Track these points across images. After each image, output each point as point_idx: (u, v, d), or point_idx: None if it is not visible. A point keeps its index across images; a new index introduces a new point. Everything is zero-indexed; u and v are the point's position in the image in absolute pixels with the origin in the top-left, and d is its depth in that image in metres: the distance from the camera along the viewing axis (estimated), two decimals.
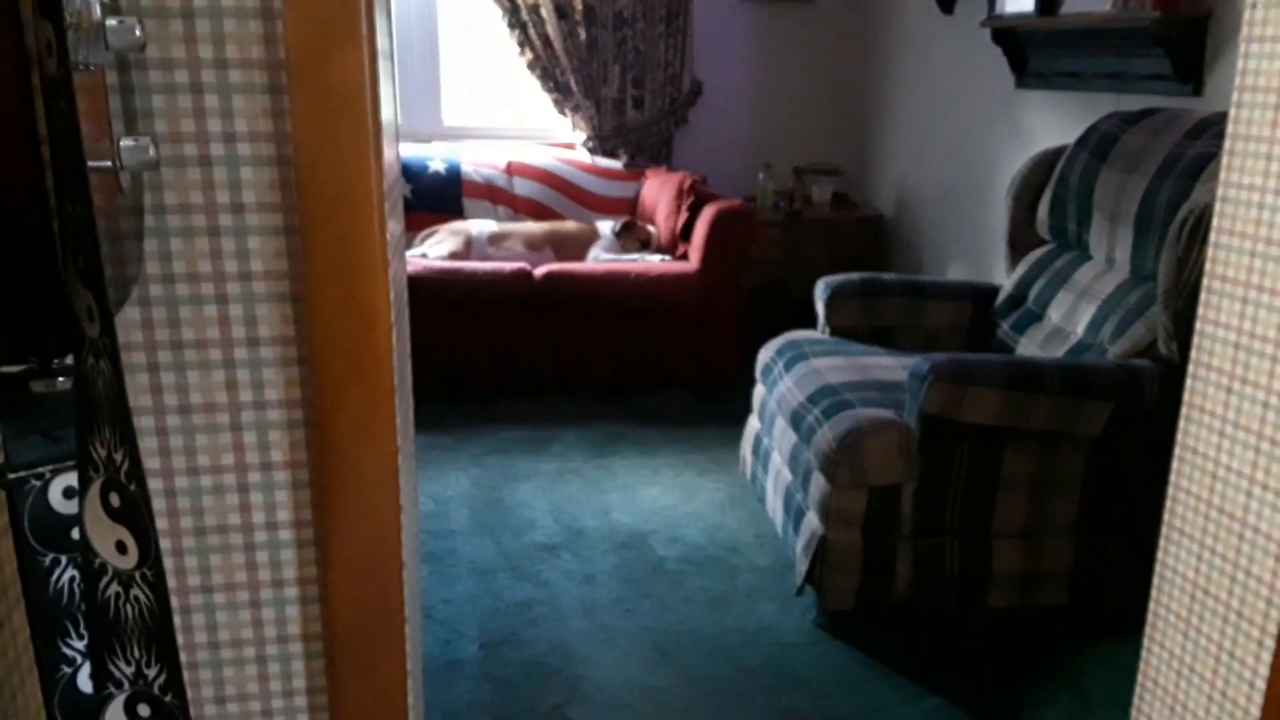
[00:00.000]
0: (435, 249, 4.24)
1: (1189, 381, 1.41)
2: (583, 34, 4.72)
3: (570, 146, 4.93)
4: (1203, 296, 1.38)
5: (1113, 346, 2.50)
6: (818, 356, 2.88)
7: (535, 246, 4.37)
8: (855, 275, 3.23)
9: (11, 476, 0.86)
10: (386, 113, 1.21)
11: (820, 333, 3.21)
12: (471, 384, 4.07)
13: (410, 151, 4.56)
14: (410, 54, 4.80)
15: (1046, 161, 3.07)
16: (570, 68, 4.75)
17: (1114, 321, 2.54)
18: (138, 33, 0.93)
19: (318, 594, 1.24)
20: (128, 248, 1.08)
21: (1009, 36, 3.72)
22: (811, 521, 2.49)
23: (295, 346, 1.18)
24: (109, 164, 0.94)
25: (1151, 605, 1.50)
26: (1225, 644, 1.34)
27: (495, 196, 4.67)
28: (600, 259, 4.34)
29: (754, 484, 3.15)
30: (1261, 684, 1.28)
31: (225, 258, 1.15)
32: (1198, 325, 1.39)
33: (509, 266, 4.05)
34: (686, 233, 4.32)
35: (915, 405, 2.35)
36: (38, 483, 0.87)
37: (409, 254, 4.21)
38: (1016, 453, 2.38)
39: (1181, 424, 1.43)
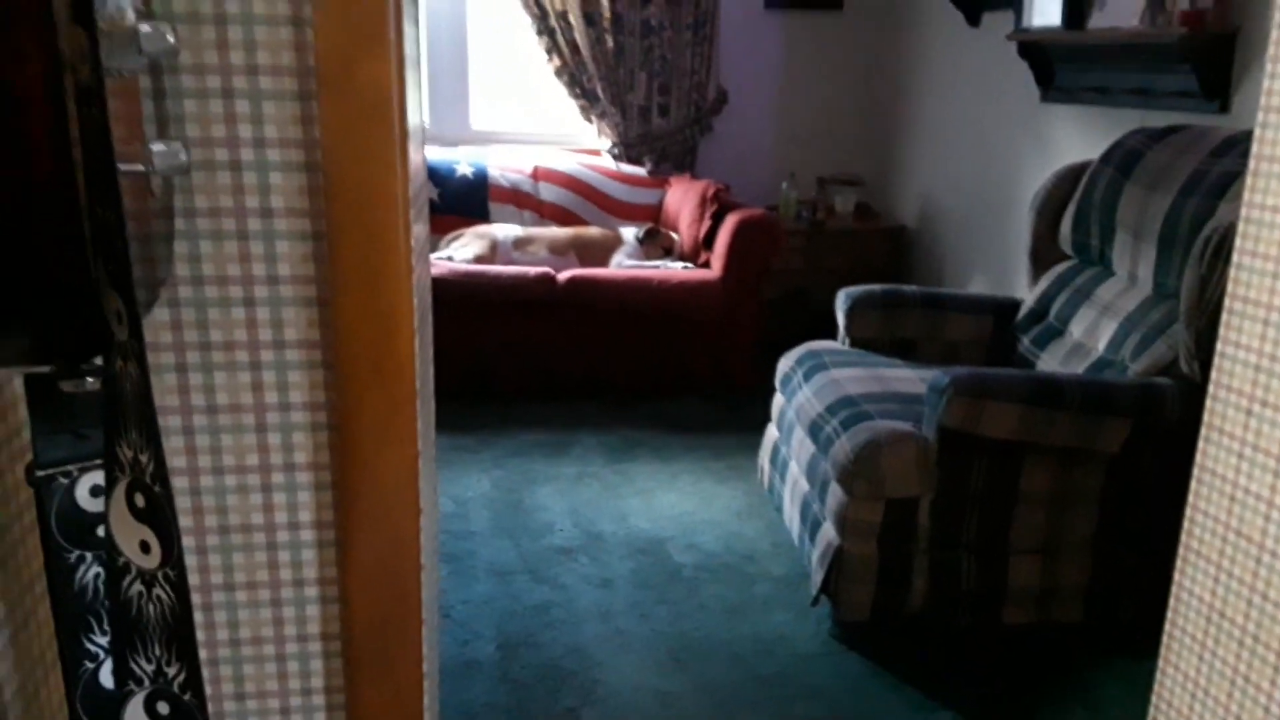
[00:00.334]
0: (461, 252, 4.27)
1: (1209, 402, 1.40)
2: (610, 41, 4.74)
3: (595, 153, 4.95)
4: (1224, 318, 1.37)
5: (1134, 364, 2.49)
6: (837, 367, 2.88)
7: (559, 251, 4.39)
8: (876, 287, 3.23)
9: (40, 474, 0.88)
10: (413, 118, 1.23)
11: (840, 343, 3.21)
12: (494, 386, 4.10)
13: (438, 155, 4.60)
14: (440, 59, 4.84)
15: (1070, 176, 3.06)
16: (597, 75, 4.77)
17: (1135, 339, 2.53)
18: (170, 39, 0.95)
19: (337, 594, 1.26)
20: (158, 250, 1.10)
21: (1035, 50, 3.71)
22: (828, 532, 2.49)
23: (320, 350, 1.20)
24: (140, 168, 0.96)
25: (1167, 627, 1.49)
26: (1240, 668, 1.33)
27: (521, 201, 4.69)
28: (623, 265, 4.35)
29: (771, 493, 3.15)
30: (1277, 709, 1.27)
31: (253, 261, 1.17)
32: (1218, 346, 1.38)
33: (533, 271, 4.07)
34: (709, 241, 4.33)
35: (934, 418, 2.35)
36: (65, 480, 0.89)
37: (435, 256, 4.24)
38: (1035, 468, 2.37)
39: (1201, 445, 1.42)
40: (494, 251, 4.30)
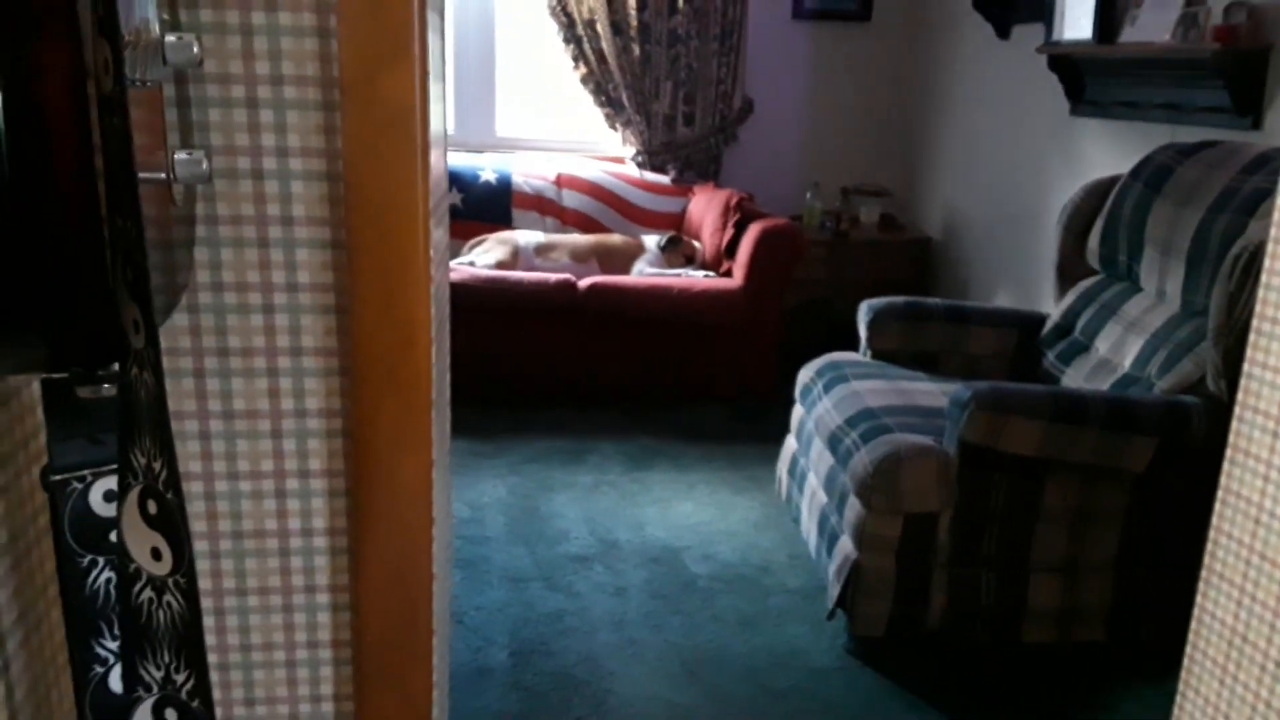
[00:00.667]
0: (483, 258, 4.28)
1: (1235, 424, 1.38)
2: (636, 50, 4.75)
3: (619, 160, 4.96)
4: (1251, 338, 1.35)
5: (1160, 381, 2.46)
6: (858, 379, 2.87)
7: (581, 258, 4.40)
8: (899, 299, 3.21)
9: (55, 478, 0.89)
10: (435, 127, 1.23)
11: (862, 355, 3.19)
12: (512, 392, 4.11)
13: (463, 161, 4.62)
14: (467, 66, 4.86)
15: (1099, 191, 3.03)
16: (623, 83, 4.78)
17: (1162, 356, 2.50)
18: (195, 50, 0.96)
19: (349, 601, 1.26)
20: (178, 256, 1.10)
21: (1066, 64, 3.68)
22: (845, 545, 2.48)
23: (337, 357, 1.20)
24: (163, 176, 0.97)
25: (1188, 650, 1.47)
26: (1263, 693, 1.31)
27: (544, 208, 4.70)
28: (645, 273, 4.35)
29: (789, 504, 3.14)
30: None
31: (273, 269, 1.17)
32: (1245, 367, 1.36)
33: (554, 277, 4.08)
34: (732, 250, 4.32)
35: (955, 433, 2.33)
36: (79, 485, 0.89)
37: (456, 262, 4.26)
38: (1057, 485, 2.35)
39: (1226, 466, 1.40)
40: (516, 258, 4.31)
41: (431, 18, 1.22)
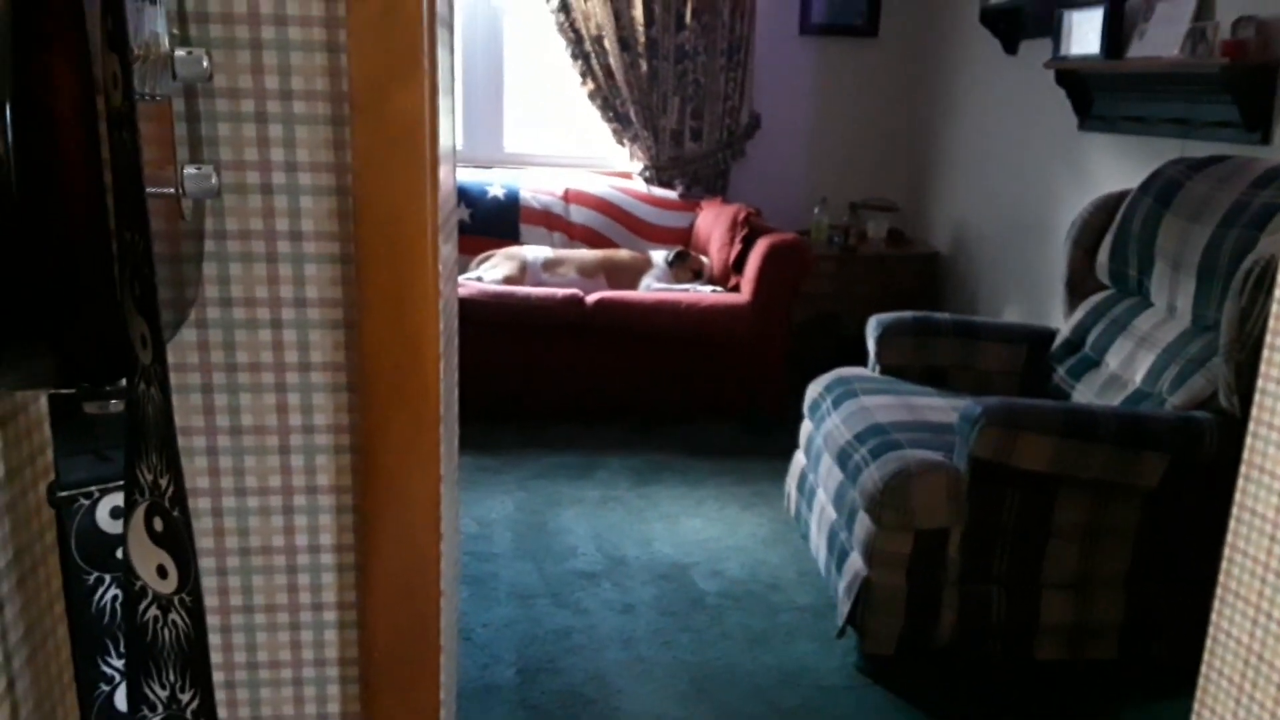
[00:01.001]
0: (490, 273, 4.28)
1: (1249, 439, 1.37)
2: (644, 66, 4.76)
3: (627, 175, 4.96)
4: (1265, 353, 1.34)
5: (1172, 397, 2.45)
6: (867, 394, 2.85)
7: (588, 273, 4.40)
8: (908, 314, 3.20)
9: (62, 494, 0.88)
10: (445, 142, 1.23)
11: (870, 370, 3.18)
12: (520, 407, 4.10)
13: (471, 176, 4.63)
14: (475, 82, 4.88)
15: (1108, 206, 3.02)
16: (630, 99, 4.79)
17: (1174, 371, 2.49)
18: (205, 64, 0.95)
19: (356, 619, 1.25)
20: (187, 271, 1.10)
21: (1073, 78, 3.68)
22: (855, 562, 2.46)
23: (345, 373, 1.20)
24: (171, 190, 0.96)
25: (1203, 669, 1.45)
26: (1279, 714, 1.29)
27: (552, 223, 4.71)
28: (652, 288, 4.35)
29: (798, 520, 3.12)
30: None
31: (282, 284, 1.17)
32: (1259, 382, 1.35)
33: (561, 292, 4.08)
34: (739, 265, 4.32)
35: (965, 448, 2.32)
36: (86, 501, 0.89)
37: (464, 277, 4.26)
38: (1069, 502, 2.33)
39: (1240, 483, 1.39)
40: (523, 273, 4.31)
41: (441, 33, 1.22)
